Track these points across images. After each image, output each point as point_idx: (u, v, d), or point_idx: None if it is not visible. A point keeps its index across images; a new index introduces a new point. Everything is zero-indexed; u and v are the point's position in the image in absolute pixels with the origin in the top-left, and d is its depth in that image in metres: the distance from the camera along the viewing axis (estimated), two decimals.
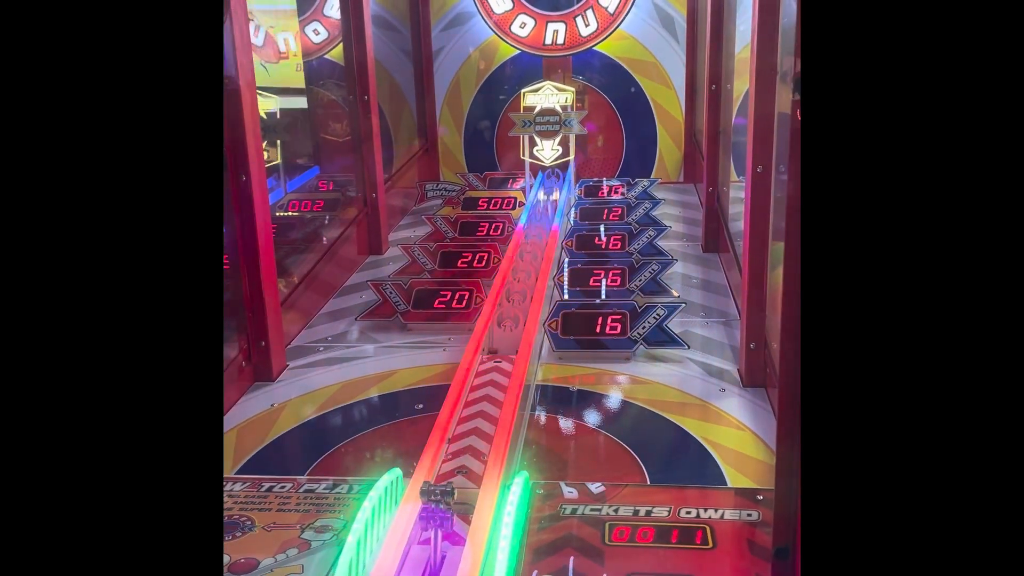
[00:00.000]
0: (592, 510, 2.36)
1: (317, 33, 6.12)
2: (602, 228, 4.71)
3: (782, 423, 1.59)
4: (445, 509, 2.11)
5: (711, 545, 2.19)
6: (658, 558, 2.16)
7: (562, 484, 2.50)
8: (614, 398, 3.16)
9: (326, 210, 5.17)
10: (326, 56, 6.14)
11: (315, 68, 6.15)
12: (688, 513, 2.32)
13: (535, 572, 2.10)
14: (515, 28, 6.28)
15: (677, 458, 2.74)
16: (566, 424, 2.99)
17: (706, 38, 4.89)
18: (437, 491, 2.11)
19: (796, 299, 1.55)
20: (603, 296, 3.93)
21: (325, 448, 2.86)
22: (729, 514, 2.31)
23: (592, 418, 3.01)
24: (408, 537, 2.15)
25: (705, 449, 2.75)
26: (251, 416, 3.11)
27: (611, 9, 6.16)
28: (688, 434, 2.85)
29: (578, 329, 3.54)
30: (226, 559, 2.19)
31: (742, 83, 4.56)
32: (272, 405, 3.20)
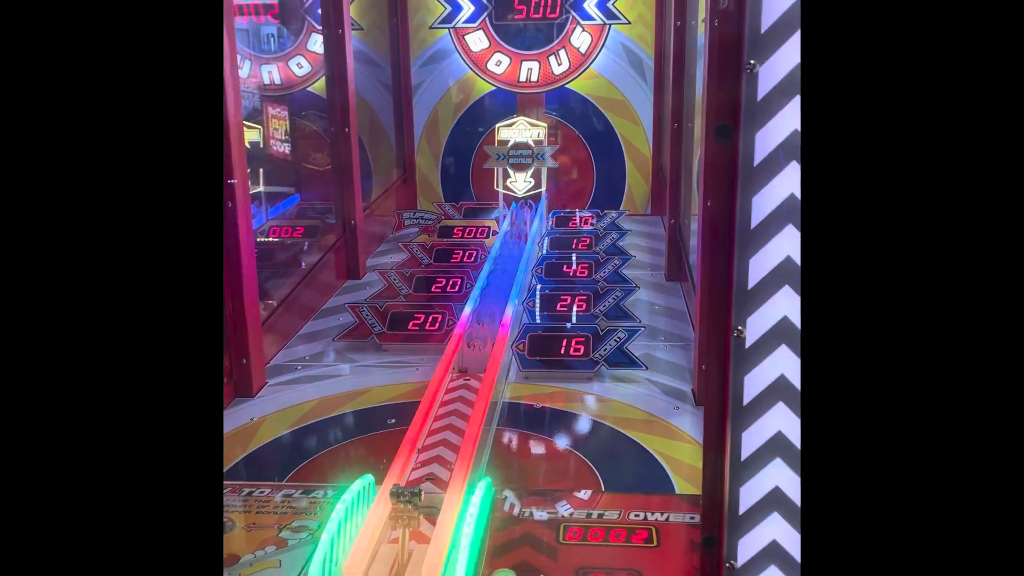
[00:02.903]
0: (548, 513, 2.56)
1: (300, 67, 6.36)
2: (574, 257, 4.95)
3: (708, 432, 1.82)
4: (413, 510, 2.29)
5: (656, 544, 2.39)
6: (607, 555, 2.36)
7: (509, 491, 2.70)
8: (576, 415, 3.37)
9: (306, 236, 5.37)
10: (309, 88, 6.38)
11: (298, 100, 6.39)
12: (637, 516, 2.52)
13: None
14: (491, 66, 6.55)
15: (631, 469, 2.95)
16: (529, 438, 3.19)
17: (669, 78, 5.17)
18: (406, 492, 2.30)
19: (716, 324, 1.78)
20: (573, 320, 4.14)
21: (302, 459, 3.04)
22: (674, 517, 2.53)
23: (553, 433, 3.22)
24: (378, 536, 2.34)
25: (657, 461, 2.96)
26: (232, 429, 3.29)
27: (583, 49, 6.46)
28: (642, 447, 3.06)
29: (544, 350, 3.76)
30: None
31: None
32: (252, 419, 3.37)
